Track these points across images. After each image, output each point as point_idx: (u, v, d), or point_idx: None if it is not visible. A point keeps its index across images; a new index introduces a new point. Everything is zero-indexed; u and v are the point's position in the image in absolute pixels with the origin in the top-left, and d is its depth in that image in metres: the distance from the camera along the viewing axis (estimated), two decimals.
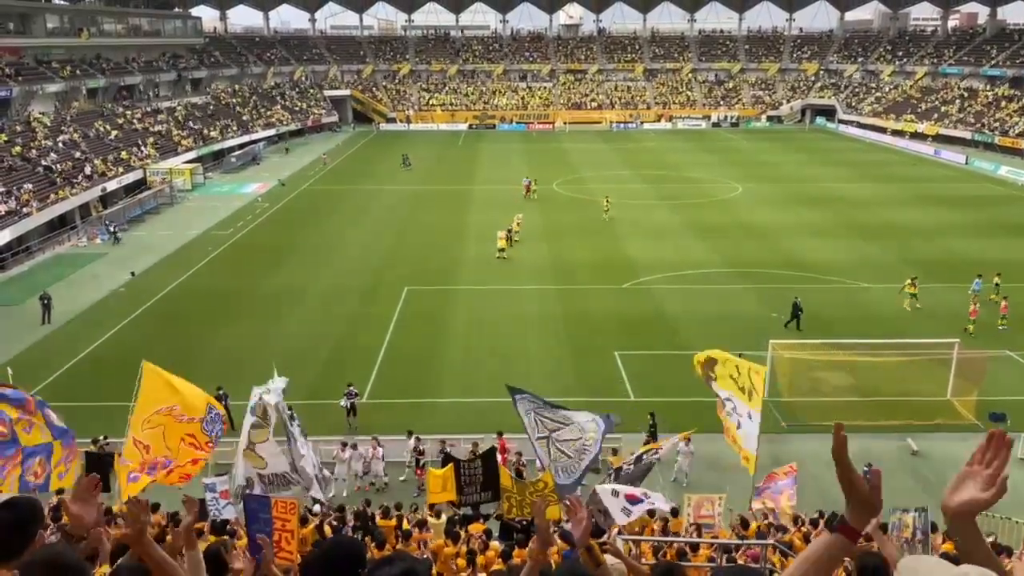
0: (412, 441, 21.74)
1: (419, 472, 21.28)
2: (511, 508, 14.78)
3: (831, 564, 2.56)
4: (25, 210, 44.57)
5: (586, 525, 4.12)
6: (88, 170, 54.08)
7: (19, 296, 36.63)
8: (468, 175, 66.95)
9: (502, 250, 41.49)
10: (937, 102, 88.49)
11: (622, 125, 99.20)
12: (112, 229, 46.83)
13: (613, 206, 49.79)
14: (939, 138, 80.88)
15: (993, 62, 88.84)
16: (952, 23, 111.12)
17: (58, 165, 52.49)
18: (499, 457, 21.84)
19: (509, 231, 43.26)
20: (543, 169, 68.56)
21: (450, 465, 15.81)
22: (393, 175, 66.69)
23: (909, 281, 33.50)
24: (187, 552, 4.38)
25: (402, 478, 21.82)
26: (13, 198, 45.14)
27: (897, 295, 33.70)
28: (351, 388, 24.68)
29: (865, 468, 17.64)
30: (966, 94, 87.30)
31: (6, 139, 52.96)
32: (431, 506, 16.69)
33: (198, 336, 31.17)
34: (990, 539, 14.69)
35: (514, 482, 14.55)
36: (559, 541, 12.67)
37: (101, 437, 21.02)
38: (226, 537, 11.38)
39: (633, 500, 13.64)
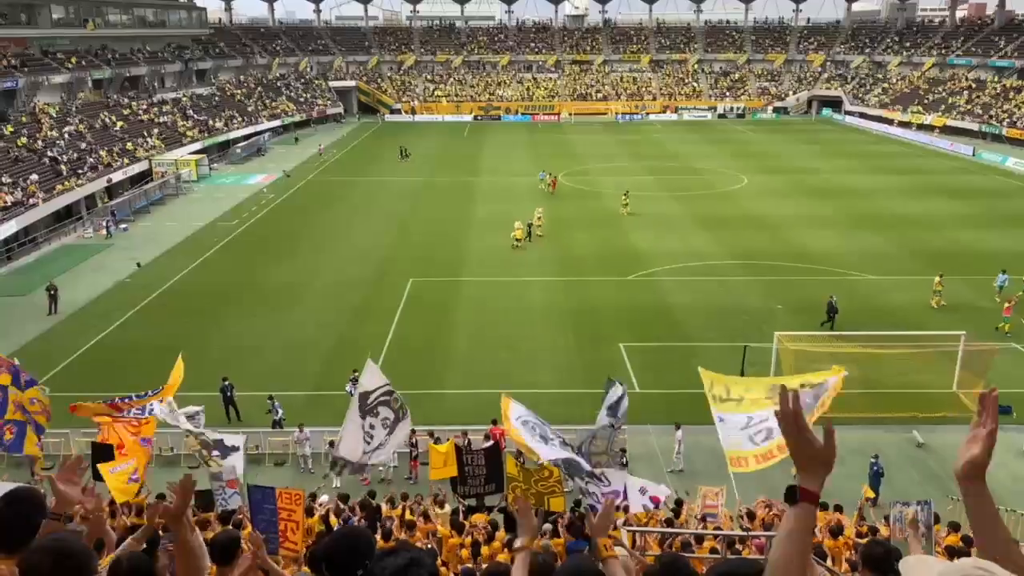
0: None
1: (413, 463, 21.36)
2: (515, 500, 14.77)
3: (807, 535, 2.62)
4: (31, 201, 44.68)
5: (606, 516, 4.19)
6: (94, 161, 54.17)
7: (25, 287, 36.74)
8: (473, 167, 66.87)
9: (518, 240, 41.32)
10: (944, 93, 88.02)
11: (627, 116, 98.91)
12: (106, 224, 46.19)
13: (618, 197, 49.54)
14: (946, 129, 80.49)
15: (1001, 53, 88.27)
16: (960, 14, 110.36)
17: (64, 156, 52.58)
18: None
19: (530, 225, 42.80)
20: (548, 161, 68.35)
21: (451, 440, 15.84)
22: (397, 167, 66.70)
23: (938, 279, 32.66)
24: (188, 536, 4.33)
25: (393, 464, 21.94)
26: (19, 189, 45.25)
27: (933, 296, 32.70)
28: (356, 374, 24.79)
29: (873, 459, 17.51)
30: (974, 85, 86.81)
31: (12, 130, 53.05)
32: (434, 496, 16.72)
33: (203, 327, 31.25)
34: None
35: (520, 470, 14.52)
36: (565, 533, 12.70)
37: None
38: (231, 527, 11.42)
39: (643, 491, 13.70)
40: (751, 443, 14.49)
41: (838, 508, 16.29)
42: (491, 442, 17.91)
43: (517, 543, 4.23)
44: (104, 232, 46.01)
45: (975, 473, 2.70)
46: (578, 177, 60.77)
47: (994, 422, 2.72)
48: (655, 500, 13.72)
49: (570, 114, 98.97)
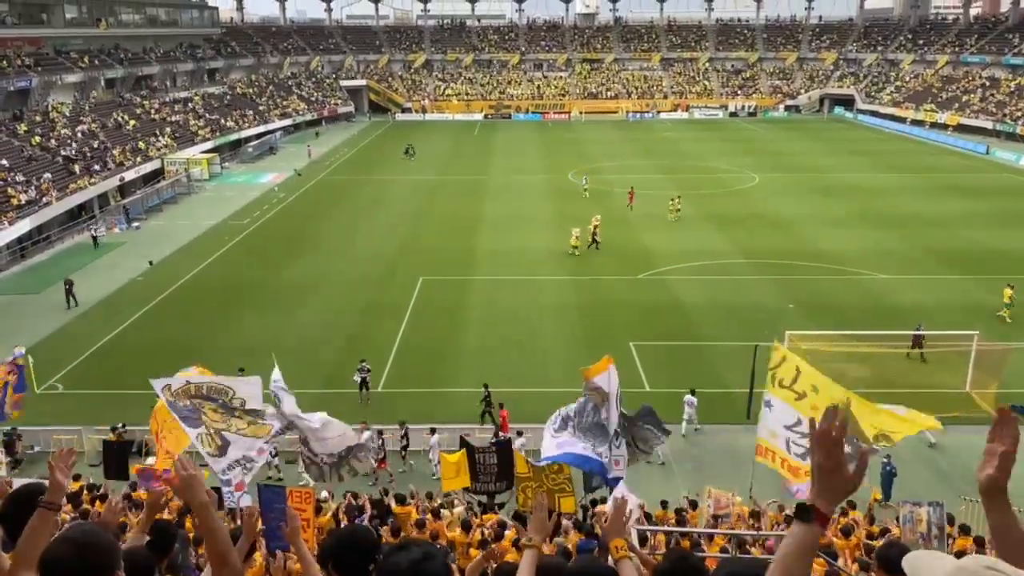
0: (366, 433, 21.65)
1: (382, 464, 21.24)
2: (527, 500, 14.70)
3: (810, 554, 2.55)
4: (45, 200, 44.97)
5: (615, 518, 4.23)
6: (107, 160, 54.47)
7: (39, 284, 37.02)
8: (484, 165, 66.88)
9: (575, 248, 39.74)
10: (958, 91, 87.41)
11: (638, 115, 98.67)
12: (94, 233, 44.38)
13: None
14: (960, 128, 79.90)
15: (1016, 50, 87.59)
16: (974, 11, 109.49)
17: (77, 155, 52.88)
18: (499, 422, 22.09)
19: (594, 232, 40.98)
20: (559, 159, 68.43)
21: (463, 451, 15.78)
22: (408, 166, 66.81)
23: (1009, 291, 30.50)
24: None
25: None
26: (33, 188, 45.55)
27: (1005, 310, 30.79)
28: (364, 364, 24.97)
29: (884, 459, 17.37)
30: (988, 83, 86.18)
31: (26, 129, 53.41)
32: (446, 495, 16.73)
33: (214, 325, 31.38)
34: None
35: (530, 467, 14.47)
36: (574, 531, 12.68)
37: (119, 425, 21.25)
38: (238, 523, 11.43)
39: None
40: (786, 449, 13.77)
41: (851, 505, 16.19)
42: (502, 438, 17.93)
43: (526, 540, 4.23)
44: (92, 239, 43.82)
45: (994, 491, 2.69)
46: (589, 176, 60.57)
47: (1012, 442, 2.67)
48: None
49: (581, 113, 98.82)
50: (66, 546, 2.97)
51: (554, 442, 12.35)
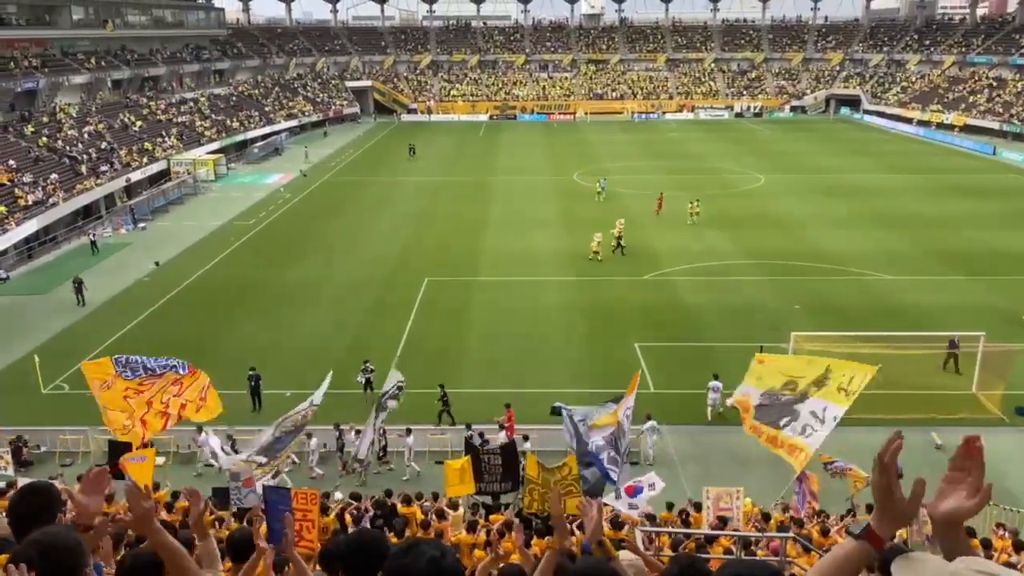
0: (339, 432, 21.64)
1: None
2: (532, 502, 14.71)
3: (853, 571, 2.51)
4: (51, 200, 45.13)
5: (596, 522, 4.29)
6: (113, 160, 54.65)
7: (46, 285, 37.15)
8: (489, 166, 66.89)
9: (596, 253, 39.20)
10: (964, 92, 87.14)
11: (644, 116, 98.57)
12: (92, 237, 43.75)
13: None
14: (966, 128, 79.65)
15: (1022, 51, 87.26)
16: (981, 11, 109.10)
17: (83, 156, 53.07)
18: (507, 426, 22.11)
19: (619, 237, 40.31)
20: (564, 160, 68.37)
21: (467, 457, 15.78)
22: (413, 167, 66.90)
23: None
24: (200, 542, 4.41)
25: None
26: (40, 188, 45.72)
27: None
28: (367, 364, 25.05)
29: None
30: (994, 83, 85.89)
31: (33, 130, 53.61)
32: (449, 500, 16.73)
33: (220, 326, 31.46)
34: (1010, 534, 14.55)
35: (540, 470, 14.47)
36: (578, 532, 12.67)
37: None
38: (245, 524, 11.46)
39: (633, 492, 13.79)
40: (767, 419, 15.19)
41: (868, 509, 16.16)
42: (506, 439, 17.95)
43: (551, 539, 4.45)
44: (90, 244, 42.98)
45: (957, 522, 2.44)
46: (594, 176, 60.51)
47: (980, 474, 2.39)
48: (628, 490, 13.86)
49: (586, 113, 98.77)
50: (32, 548, 2.99)
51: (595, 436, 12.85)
